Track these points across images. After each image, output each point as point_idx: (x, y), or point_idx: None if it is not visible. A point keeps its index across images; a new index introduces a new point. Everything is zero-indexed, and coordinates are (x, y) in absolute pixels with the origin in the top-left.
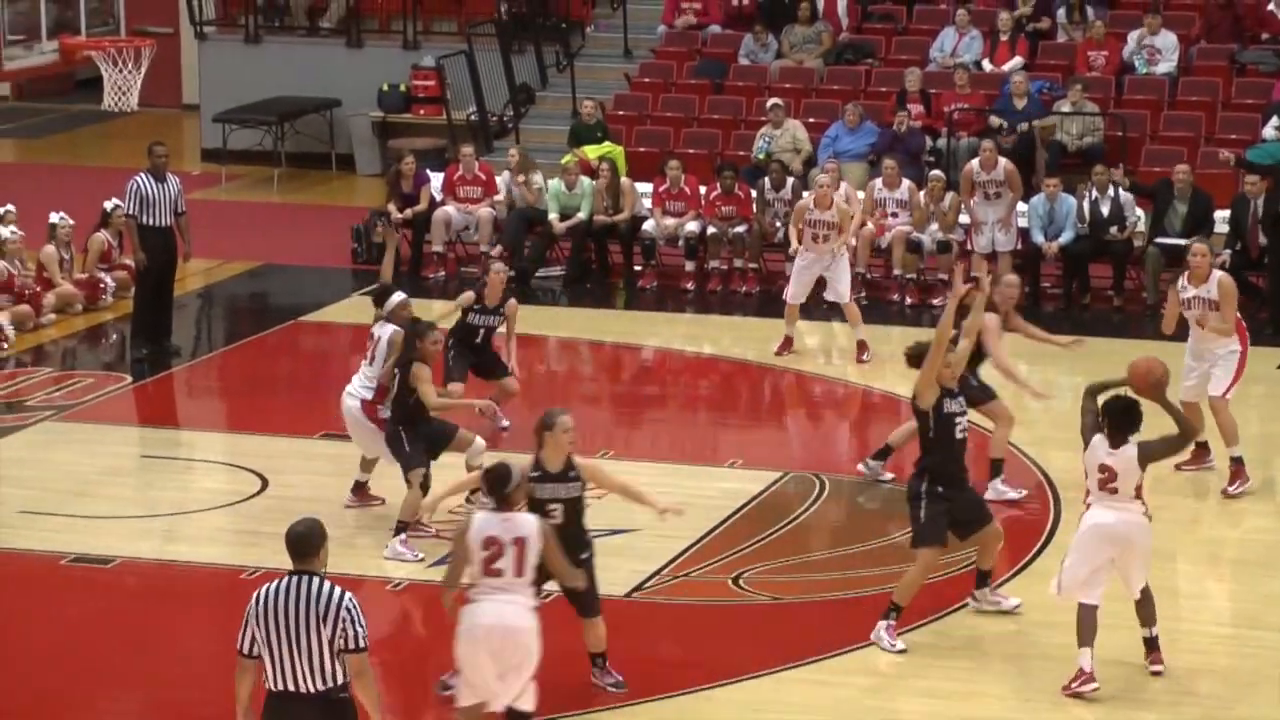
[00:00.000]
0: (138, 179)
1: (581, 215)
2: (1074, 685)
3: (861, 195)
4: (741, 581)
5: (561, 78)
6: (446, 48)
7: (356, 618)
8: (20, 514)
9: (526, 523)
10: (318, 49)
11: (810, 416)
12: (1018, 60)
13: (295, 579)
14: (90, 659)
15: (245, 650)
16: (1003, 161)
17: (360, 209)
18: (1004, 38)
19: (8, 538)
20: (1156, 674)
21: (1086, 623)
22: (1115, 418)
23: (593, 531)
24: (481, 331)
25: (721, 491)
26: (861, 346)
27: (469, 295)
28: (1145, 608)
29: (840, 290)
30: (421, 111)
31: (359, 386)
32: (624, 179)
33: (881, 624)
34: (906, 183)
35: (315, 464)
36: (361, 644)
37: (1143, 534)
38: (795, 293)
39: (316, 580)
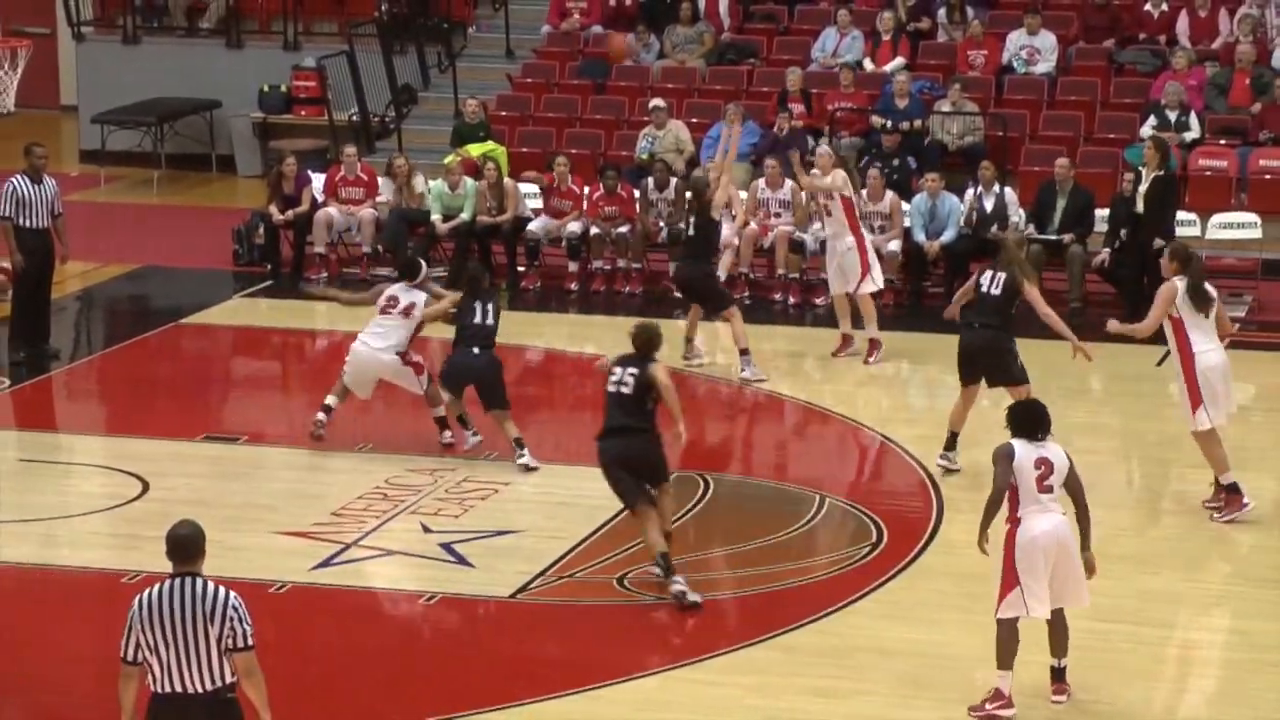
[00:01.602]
0: (14, 180)
1: (465, 216)
2: (989, 708)
3: (744, 195)
4: (626, 582)
5: (444, 78)
6: (327, 48)
7: (243, 616)
8: None
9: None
10: (197, 49)
11: (695, 416)
12: (899, 60)
13: (179, 581)
14: None
15: (129, 657)
16: (890, 195)
17: (241, 210)
18: (885, 38)
19: None
20: (1058, 704)
21: (1011, 641)
22: (1027, 418)
23: (476, 533)
24: None
25: (605, 492)
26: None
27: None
28: (1061, 632)
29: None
30: (303, 112)
31: (386, 342)
32: (507, 180)
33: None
34: (789, 183)
35: (196, 466)
36: (249, 642)
37: (1073, 537)
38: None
39: (200, 581)
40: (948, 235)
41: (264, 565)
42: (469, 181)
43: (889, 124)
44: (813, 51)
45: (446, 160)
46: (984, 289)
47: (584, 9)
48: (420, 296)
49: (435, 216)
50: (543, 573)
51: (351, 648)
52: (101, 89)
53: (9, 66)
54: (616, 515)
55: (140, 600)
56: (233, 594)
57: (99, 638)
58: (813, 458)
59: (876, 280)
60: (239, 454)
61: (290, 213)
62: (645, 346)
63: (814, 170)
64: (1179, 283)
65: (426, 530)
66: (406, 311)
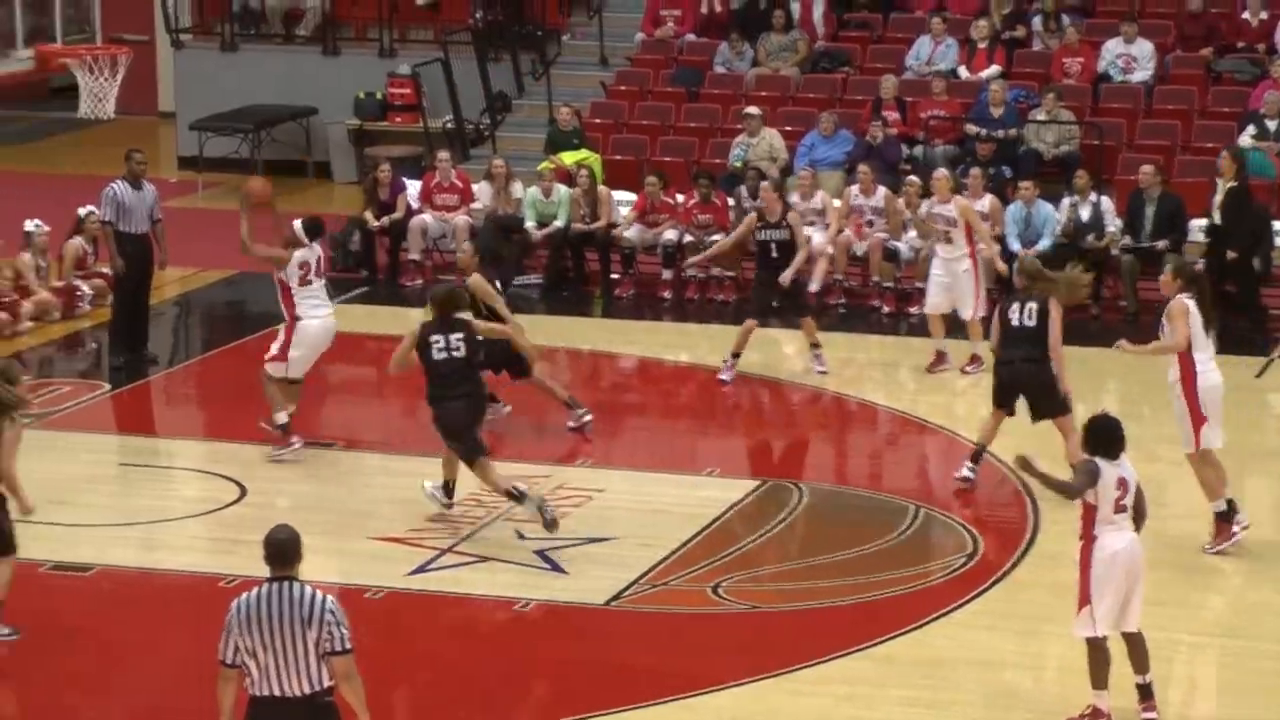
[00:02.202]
0: (114, 186)
1: (559, 223)
2: None
3: (838, 203)
4: (720, 590)
5: (538, 86)
6: (423, 55)
7: (340, 620)
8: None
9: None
10: (294, 57)
11: (789, 424)
12: (994, 68)
13: (277, 585)
14: (70, 667)
15: (228, 660)
16: (989, 197)
17: (337, 216)
18: (981, 46)
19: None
20: None
21: (1103, 659)
22: (1106, 436)
23: (572, 539)
24: None
25: (700, 500)
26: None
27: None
28: (1140, 649)
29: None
30: (398, 119)
31: (330, 307)
32: (601, 187)
33: None
34: (882, 190)
35: (293, 471)
36: (347, 646)
37: (1143, 557)
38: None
39: (297, 585)
40: (1043, 244)
41: (360, 570)
42: (562, 189)
43: (984, 132)
44: (907, 59)
45: (540, 167)
46: (1015, 322)
47: (678, 17)
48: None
49: (530, 223)
50: (636, 580)
51: (446, 653)
52: (199, 96)
53: (109, 73)
54: (711, 524)
55: (239, 604)
56: (330, 598)
57: (197, 640)
58: (908, 468)
59: (983, 306)
60: (335, 459)
61: (385, 219)
62: (451, 306)
63: (930, 200)
64: (1188, 300)
65: (521, 537)
66: (321, 272)
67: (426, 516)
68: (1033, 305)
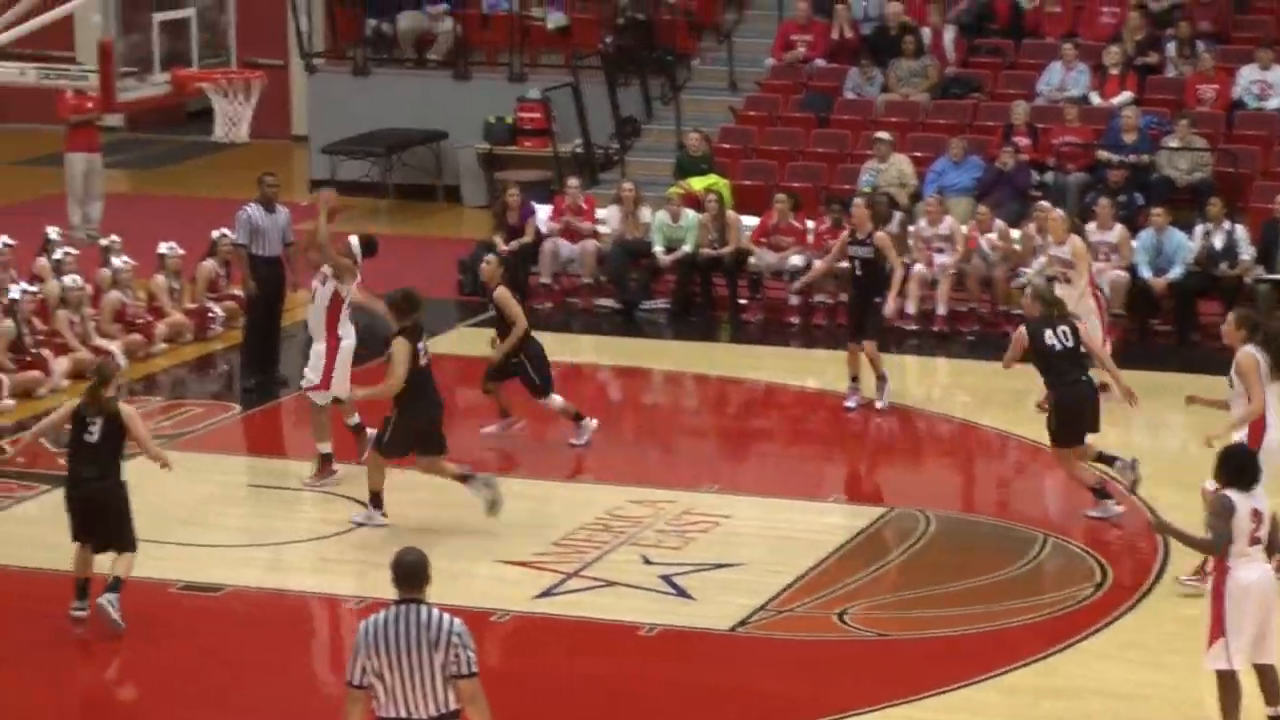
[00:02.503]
0: (248, 209)
1: (687, 248)
2: None
3: (965, 229)
4: (846, 617)
5: (667, 111)
6: (553, 80)
7: (467, 643)
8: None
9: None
10: (425, 81)
11: (916, 452)
12: (1127, 95)
13: (405, 607)
14: (200, 687)
15: (355, 681)
16: (1119, 226)
17: (466, 240)
18: (1113, 72)
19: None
20: None
21: (1235, 692)
22: (1241, 467)
23: (696, 565)
24: None
25: (826, 527)
26: None
27: None
28: (1272, 681)
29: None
30: (527, 144)
31: None
32: (730, 212)
33: None
34: (949, 219)
35: (421, 494)
36: (473, 669)
37: (1277, 590)
38: None
39: (425, 608)
40: (1175, 272)
41: (486, 594)
42: (690, 213)
43: (1116, 159)
44: (1038, 85)
45: (669, 192)
46: (1056, 347)
47: (809, 42)
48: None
49: (658, 248)
50: (763, 606)
51: (571, 678)
52: (332, 120)
53: (244, 97)
54: (837, 550)
55: (366, 626)
56: (457, 621)
57: (326, 662)
58: (1036, 496)
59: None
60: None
61: (514, 243)
62: (415, 308)
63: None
64: (1257, 352)
65: (647, 562)
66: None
67: (553, 541)
68: (1066, 328)
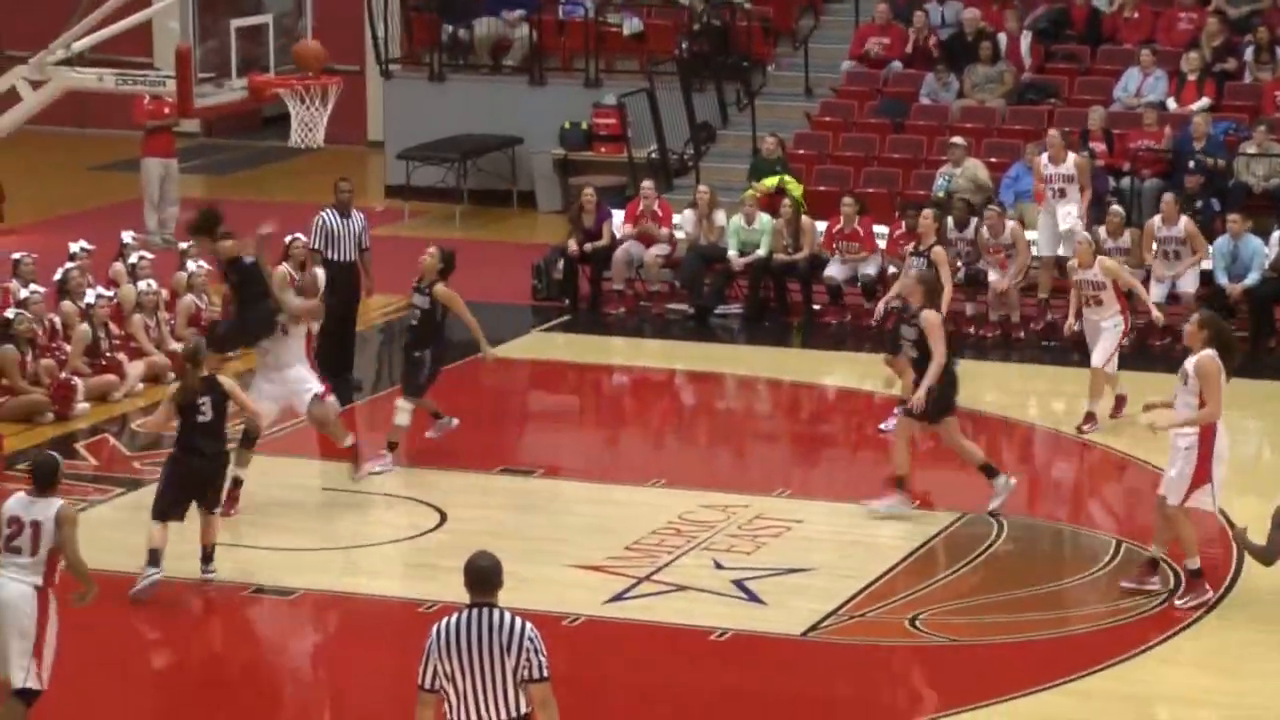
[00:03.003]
0: (323, 214)
1: (761, 252)
2: None
3: (1032, 235)
4: (919, 623)
5: (742, 116)
6: (628, 86)
7: (539, 648)
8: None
9: None
10: (501, 87)
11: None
12: (1204, 101)
13: (477, 611)
14: (273, 689)
15: (427, 685)
16: (1184, 219)
17: (541, 245)
18: (1190, 78)
19: (193, 568)
20: None
21: None
22: None
23: (768, 570)
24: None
25: (898, 532)
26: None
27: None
28: None
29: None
30: (603, 149)
31: None
32: (805, 217)
33: None
34: (1010, 224)
35: (493, 499)
36: (545, 673)
37: None
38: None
39: (497, 612)
40: (1251, 278)
41: (557, 598)
42: (765, 217)
43: (1192, 165)
44: (1115, 91)
45: (744, 195)
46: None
47: (886, 45)
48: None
49: (732, 252)
50: (834, 612)
51: (642, 683)
52: (407, 125)
53: (320, 103)
54: (909, 555)
55: (439, 629)
56: (529, 625)
57: (397, 666)
58: (1109, 501)
59: (1114, 362)
60: (535, 487)
61: (589, 246)
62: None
63: (1072, 262)
64: (1218, 357)
65: (719, 566)
66: None
67: (625, 545)
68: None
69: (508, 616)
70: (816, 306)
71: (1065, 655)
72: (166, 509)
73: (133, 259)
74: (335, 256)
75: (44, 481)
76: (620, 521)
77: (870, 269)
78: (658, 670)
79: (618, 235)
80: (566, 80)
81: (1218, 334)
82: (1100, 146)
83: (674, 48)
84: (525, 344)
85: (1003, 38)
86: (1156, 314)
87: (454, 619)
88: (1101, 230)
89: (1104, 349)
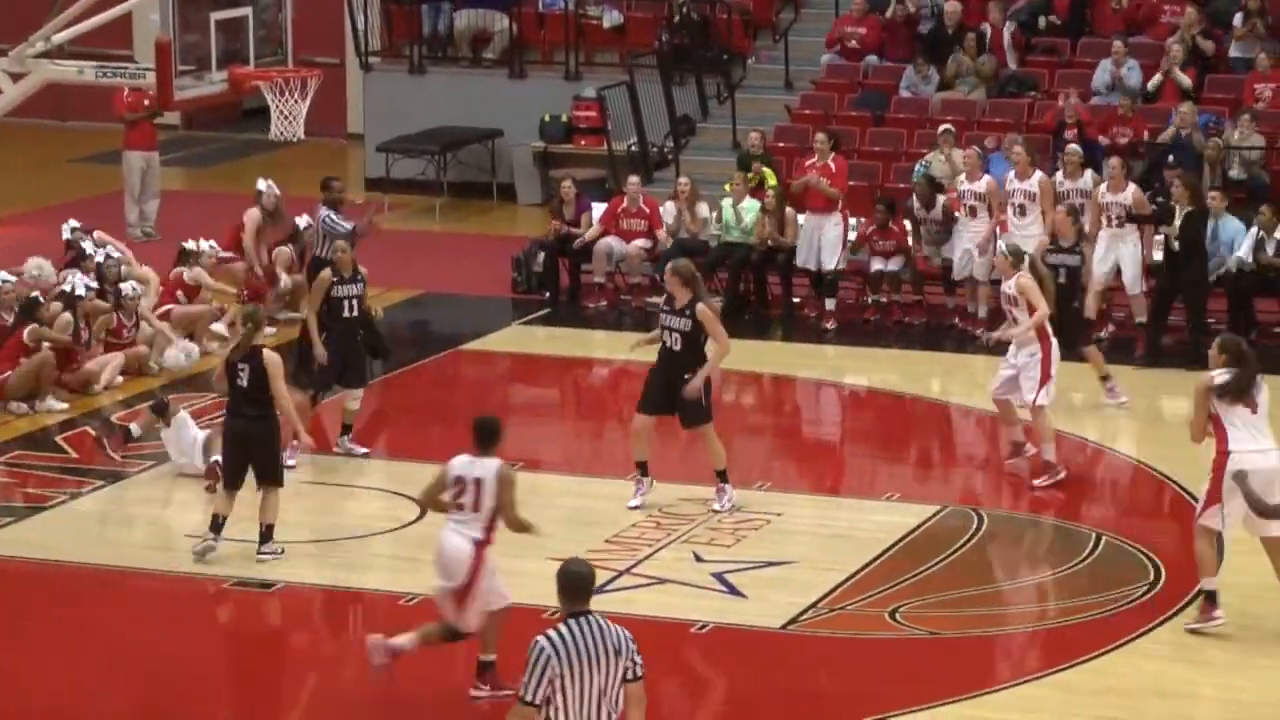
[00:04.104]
0: (326, 214)
1: (747, 220)
2: None
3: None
4: (899, 616)
5: (722, 109)
6: (608, 78)
7: (636, 647)
8: (186, 537)
9: None
10: (480, 79)
11: (968, 450)
12: (1187, 86)
13: (582, 620)
14: (254, 683)
15: (533, 699)
16: (1132, 187)
17: (520, 238)
18: (1170, 70)
19: (172, 561)
20: None
21: None
22: None
23: (748, 563)
24: (347, 303)
25: (878, 525)
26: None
27: (326, 274)
28: None
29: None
30: (583, 142)
31: None
32: (788, 209)
33: None
34: (1038, 174)
35: None
36: (642, 672)
37: None
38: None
39: (597, 618)
40: (1231, 261)
41: (538, 590)
42: (753, 202)
43: (1171, 158)
44: (1094, 83)
45: (731, 181)
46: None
47: (862, 35)
48: None
49: (714, 229)
50: (814, 605)
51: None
52: (387, 118)
53: (299, 96)
54: (890, 548)
55: (550, 643)
56: (622, 626)
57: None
58: (1089, 494)
59: (1050, 394)
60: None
61: (567, 229)
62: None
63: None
64: (1219, 377)
65: (699, 559)
66: None
67: (605, 538)
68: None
69: (605, 621)
70: (796, 299)
71: (1045, 648)
72: (226, 476)
73: (99, 256)
74: (328, 254)
75: (485, 441)
76: (600, 514)
77: (893, 266)
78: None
79: (596, 228)
80: (546, 73)
81: (1238, 358)
82: (1073, 134)
83: (654, 40)
84: (505, 337)
85: (986, 28)
86: (992, 336)
87: (564, 631)
88: (1059, 175)
89: (1012, 382)
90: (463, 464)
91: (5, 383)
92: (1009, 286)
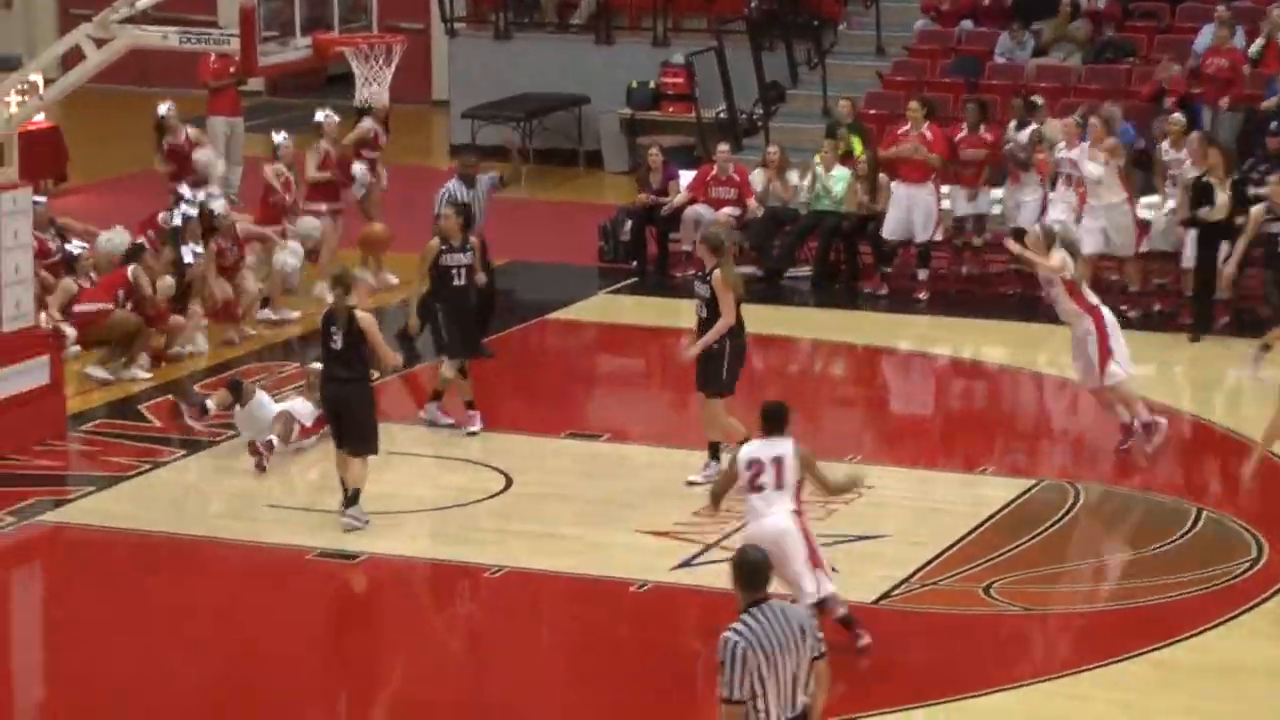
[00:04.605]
0: (450, 185)
1: (837, 191)
2: None
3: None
4: (993, 591)
5: (812, 76)
6: (696, 44)
7: (817, 623)
8: (268, 507)
9: None
10: (567, 45)
11: (1065, 423)
12: None
13: (767, 608)
14: (337, 655)
15: (740, 696)
16: (1213, 151)
17: (607, 206)
18: (1274, 34)
19: (255, 531)
20: None
21: None
22: None
23: (839, 537)
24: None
25: (972, 499)
26: None
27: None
28: None
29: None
30: (670, 109)
31: None
32: (881, 175)
33: None
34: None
35: (559, 462)
36: (824, 649)
37: None
38: None
39: (778, 604)
40: None
41: (625, 564)
42: (844, 169)
43: (1275, 125)
44: (1195, 47)
45: (821, 150)
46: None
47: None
48: None
49: (803, 198)
50: (906, 579)
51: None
52: (472, 84)
53: (384, 62)
54: (984, 523)
55: (743, 636)
56: (800, 606)
57: (465, 632)
58: (1190, 469)
59: (1123, 366)
60: (601, 451)
61: (653, 198)
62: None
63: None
64: None
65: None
66: None
67: (694, 510)
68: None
69: (785, 604)
70: (888, 269)
71: (1143, 625)
72: (336, 438)
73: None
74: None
75: (776, 425)
76: (689, 487)
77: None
78: None
79: (682, 196)
80: (634, 39)
81: None
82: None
83: (743, 6)
84: (592, 306)
85: None
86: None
87: (754, 622)
88: (1165, 144)
89: (1083, 366)
90: (756, 448)
91: (101, 318)
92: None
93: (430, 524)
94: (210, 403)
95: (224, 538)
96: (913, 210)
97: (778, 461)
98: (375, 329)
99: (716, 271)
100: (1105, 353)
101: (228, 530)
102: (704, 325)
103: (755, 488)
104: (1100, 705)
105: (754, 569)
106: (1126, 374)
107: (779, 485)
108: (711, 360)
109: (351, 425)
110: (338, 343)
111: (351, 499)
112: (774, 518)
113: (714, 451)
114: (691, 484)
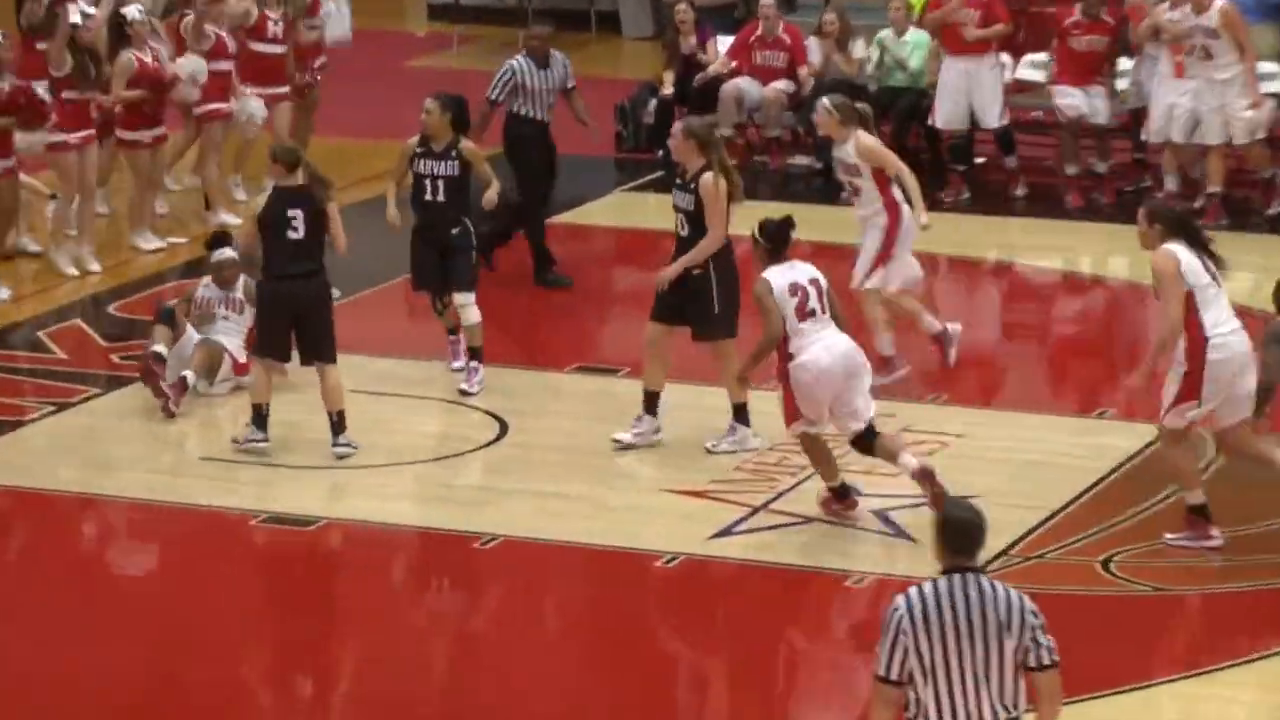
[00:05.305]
0: (514, 62)
1: (913, 65)
2: None
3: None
4: (1113, 566)
5: None
6: None
7: (1043, 624)
8: (203, 461)
9: None
10: None
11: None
12: None
13: (959, 579)
14: (289, 645)
15: (894, 675)
16: (1219, 3)
17: (625, 82)
18: None
19: (187, 490)
20: None
21: None
22: None
23: (919, 497)
24: (429, 182)
25: (1087, 449)
26: None
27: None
28: None
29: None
30: None
31: None
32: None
33: None
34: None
35: (565, 404)
36: (1056, 658)
37: None
38: None
39: (986, 580)
40: None
41: (648, 532)
42: (919, 33)
43: None
44: None
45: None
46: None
47: None
48: None
49: (870, 71)
50: (1005, 551)
51: (755, 637)
52: None
53: None
54: (1102, 480)
55: (908, 605)
56: (1027, 598)
57: (449, 617)
58: None
59: (891, 278)
60: (619, 389)
61: (697, 77)
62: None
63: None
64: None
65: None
66: None
67: (735, 465)
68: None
69: (1000, 586)
70: (980, 160)
71: None
72: (264, 347)
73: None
74: (527, 112)
75: (784, 243)
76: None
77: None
78: (774, 623)
79: (721, 62)
80: None
81: (1174, 225)
82: None
83: None
84: (607, 206)
85: None
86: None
87: (927, 589)
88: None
89: (861, 261)
90: (781, 272)
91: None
92: (844, 152)
93: (406, 481)
94: (159, 348)
95: (146, 498)
96: (970, 90)
97: (814, 282)
98: (337, 219)
99: (707, 175)
100: (885, 256)
101: (149, 490)
102: (683, 246)
103: (807, 313)
104: (1248, 710)
105: (962, 528)
106: (891, 284)
107: (824, 309)
108: (699, 297)
109: (321, 330)
110: (299, 231)
111: (339, 424)
112: (839, 341)
113: (650, 404)
114: (709, 451)
